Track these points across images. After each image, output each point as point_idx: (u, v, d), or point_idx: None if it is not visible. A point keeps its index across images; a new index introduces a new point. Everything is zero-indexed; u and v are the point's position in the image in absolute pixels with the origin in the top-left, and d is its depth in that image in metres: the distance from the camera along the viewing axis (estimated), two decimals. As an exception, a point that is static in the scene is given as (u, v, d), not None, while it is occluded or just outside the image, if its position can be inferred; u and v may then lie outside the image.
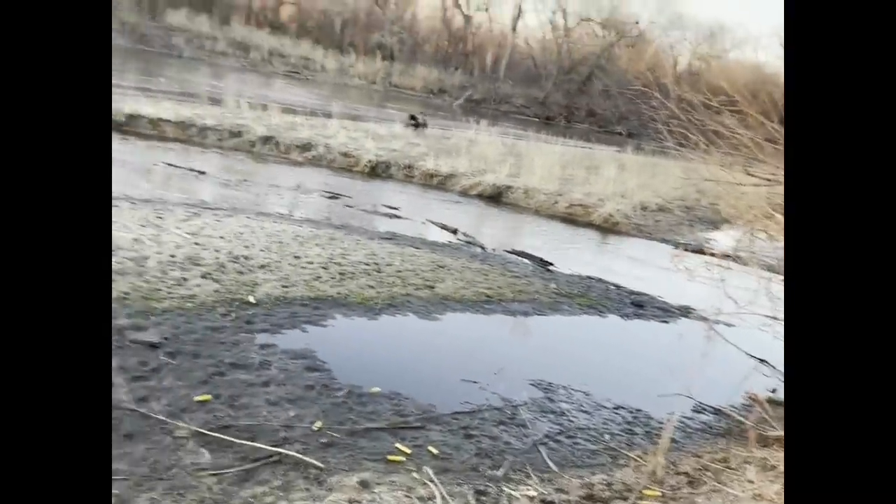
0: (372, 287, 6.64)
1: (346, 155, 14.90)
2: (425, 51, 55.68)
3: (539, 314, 7.04)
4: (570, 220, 13.48)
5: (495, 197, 14.22)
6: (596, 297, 8.05)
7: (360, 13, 51.32)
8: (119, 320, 4.69)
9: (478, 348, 5.80)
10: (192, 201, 9.31)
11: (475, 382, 4.99)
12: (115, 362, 4.04)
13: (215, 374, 4.22)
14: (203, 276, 5.97)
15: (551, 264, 9.41)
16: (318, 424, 3.84)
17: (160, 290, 5.45)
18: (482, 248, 9.81)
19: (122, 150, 12.32)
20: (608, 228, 13.22)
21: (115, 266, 5.76)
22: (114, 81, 15.92)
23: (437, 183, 14.59)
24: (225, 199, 10.02)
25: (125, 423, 3.44)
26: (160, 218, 7.74)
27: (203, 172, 11.58)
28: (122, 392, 3.72)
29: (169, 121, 14.78)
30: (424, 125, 21.57)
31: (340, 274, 6.86)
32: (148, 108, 15.32)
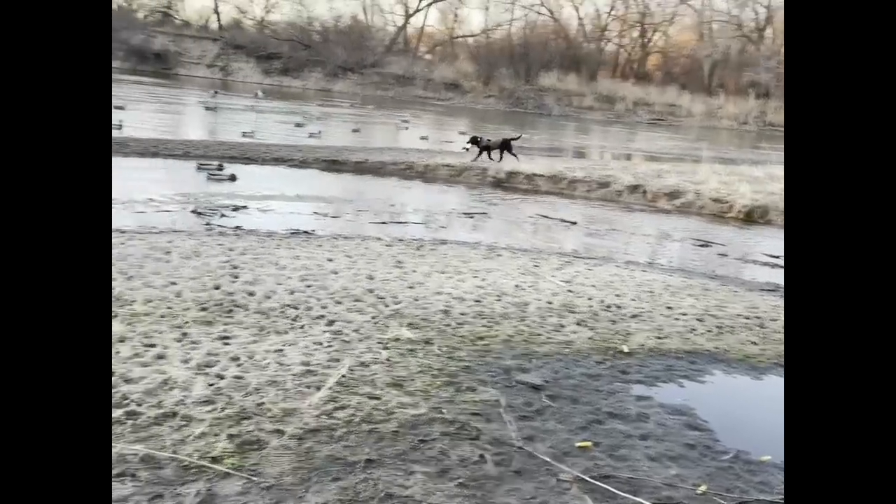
0: (754, 343, 6.09)
1: (717, 200, 14.17)
2: (806, 83, 50.59)
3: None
4: None
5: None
6: None
7: (730, 53, 48.98)
8: (506, 361, 5.08)
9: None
10: (565, 250, 9.76)
11: (893, 465, 4.17)
12: (504, 400, 4.37)
13: (594, 421, 4.27)
14: (578, 324, 6.15)
15: None
16: (703, 488, 3.60)
17: (540, 334, 5.77)
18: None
19: (503, 204, 13.56)
20: None
21: (500, 310, 6.30)
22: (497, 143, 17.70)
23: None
24: (594, 248, 10.29)
25: (515, 460, 3.67)
26: (537, 266, 8.26)
27: (573, 223, 12.10)
28: (511, 430, 3.98)
29: (542, 175, 15.86)
30: (491, 148, 17.13)
31: (717, 327, 6.45)
32: (524, 164, 16.68)
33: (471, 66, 50.06)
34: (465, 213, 12.14)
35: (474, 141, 17.39)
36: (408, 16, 55.71)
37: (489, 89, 47.55)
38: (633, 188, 15.19)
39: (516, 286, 7.20)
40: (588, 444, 3.94)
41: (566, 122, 41.41)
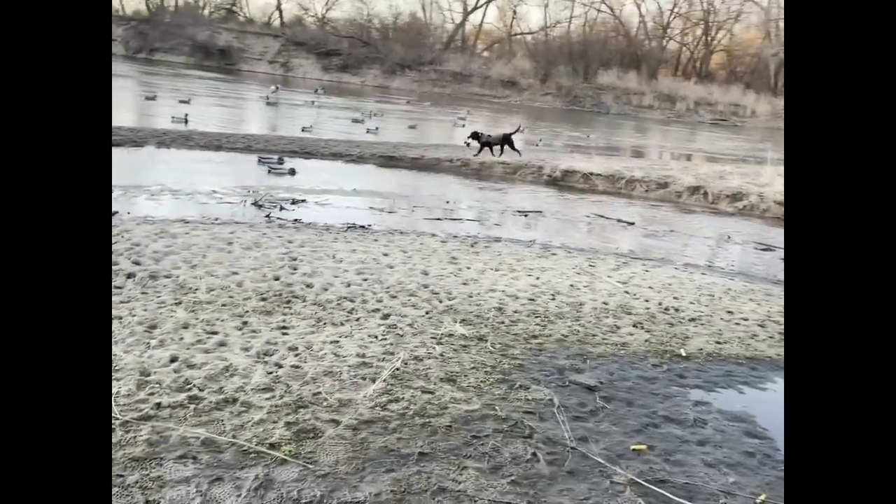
0: (819, 351, 5.88)
1: (781, 203, 13.72)
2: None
3: None
4: None
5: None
6: None
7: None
8: (560, 360, 5.04)
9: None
10: (622, 251, 9.61)
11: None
12: (557, 400, 4.34)
13: (649, 424, 4.20)
14: (634, 325, 6.05)
15: None
16: (762, 497, 3.50)
17: (595, 335, 5.70)
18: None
19: (558, 203, 13.44)
20: None
21: (554, 309, 6.25)
22: (551, 144, 17.61)
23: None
24: (652, 249, 10.10)
25: (569, 460, 3.64)
26: (592, 266, 8.17)
27: (631, 223, 11.90)
28: (564, 430, 3.95)
29: (599, 174, 15.65)
30: (492, 143, 17.40)
31: (780, 333, 6.25)
32: (581, 163, 16.49)
33: (528, 64, 49.74)
34: (519, 211, 12.08)
35: (475, 136, 17.67)
36: (466, 13, 55.76)
37: (546, 87, 47.16)
38: (694, 189, 14.85)
39: (571, 286, 7.13)
40: (643, 447, 3.88)
41: (624, 120, 40.72)
